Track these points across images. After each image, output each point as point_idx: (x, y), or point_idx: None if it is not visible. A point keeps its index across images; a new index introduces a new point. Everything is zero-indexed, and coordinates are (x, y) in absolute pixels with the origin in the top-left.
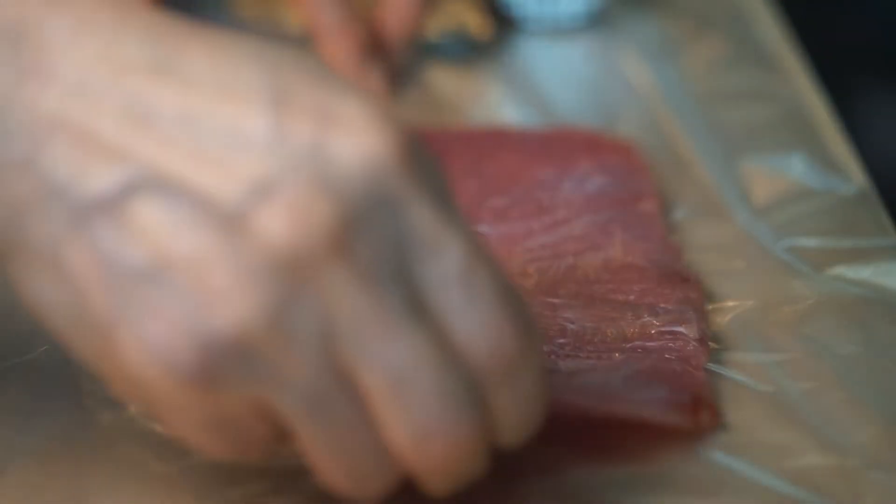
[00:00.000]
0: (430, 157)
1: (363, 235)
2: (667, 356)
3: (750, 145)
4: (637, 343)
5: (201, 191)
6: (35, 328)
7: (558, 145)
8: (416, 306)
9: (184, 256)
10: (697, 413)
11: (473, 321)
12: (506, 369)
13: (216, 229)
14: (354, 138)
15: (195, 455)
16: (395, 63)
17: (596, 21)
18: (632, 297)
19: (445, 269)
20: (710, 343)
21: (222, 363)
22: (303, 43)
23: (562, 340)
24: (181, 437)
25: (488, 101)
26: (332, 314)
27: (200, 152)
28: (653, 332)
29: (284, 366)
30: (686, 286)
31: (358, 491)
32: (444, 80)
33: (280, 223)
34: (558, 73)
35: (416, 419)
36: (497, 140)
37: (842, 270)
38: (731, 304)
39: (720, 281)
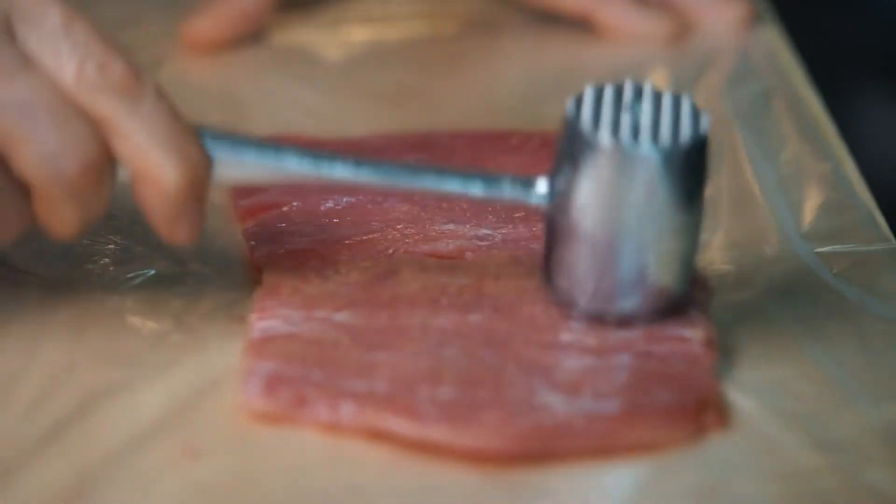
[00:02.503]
0: None
1: None
2: (673, 361)
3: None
4: (644, 348)
5: None
6: None
7: None
8: (26, 59)
9: None
10: (702, 416)
11: (79, 61)
12: (118, 95)
13: None
14: None
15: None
16: None
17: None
18: None
19: (48, 26)
20: (714, 342)
21: None
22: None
23: (573, 337)
24: None
25: None
26: None
27: None
28: (660, 335)
29: None
30: (692, 286)
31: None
32: None
33: None
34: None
35: (41, 147)
36: (498, 141)
37: (841, 272)
38: (733, 303)
39: (720, 280)
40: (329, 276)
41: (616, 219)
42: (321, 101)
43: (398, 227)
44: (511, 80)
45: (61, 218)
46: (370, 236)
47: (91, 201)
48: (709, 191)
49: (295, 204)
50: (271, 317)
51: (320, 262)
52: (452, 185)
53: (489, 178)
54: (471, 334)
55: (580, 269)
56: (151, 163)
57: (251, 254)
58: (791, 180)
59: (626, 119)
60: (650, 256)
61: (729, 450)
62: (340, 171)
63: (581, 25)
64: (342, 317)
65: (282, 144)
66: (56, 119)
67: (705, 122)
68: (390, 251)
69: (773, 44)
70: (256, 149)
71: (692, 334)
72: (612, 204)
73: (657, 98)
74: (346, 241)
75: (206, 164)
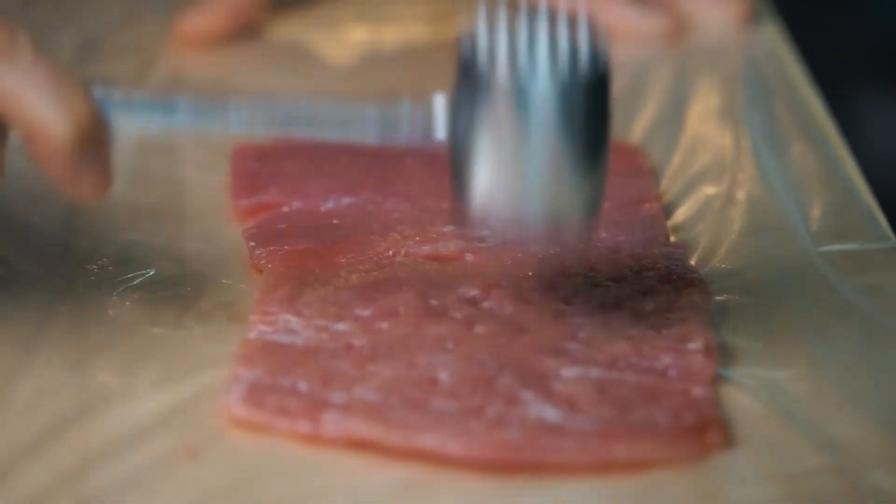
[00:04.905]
0: None
1: None
2: (673, 375)
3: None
4: (643, 362)
5: None
6: None
7: None
8: None
9: None
10: (704, 435)
11: None
12: None
13: None
14: None
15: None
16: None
17: None
18: (638, 304)
19: None
20: (715, 351)
21: None
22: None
23: (573, 346)
24: None
25: None
26: None
27: None
28: (659, 346)
29: None
30: (691, 289)
31: None
32: None
33: None
34: None
35: None
36: None
37: (843, 271)
38: (732, 303)
39: (721, 280)
40: (328, 279)
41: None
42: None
43: (398, 228)
44: None
45: None
46: (370, 237)
47: None
48: (711, 190)
49: (295, 204)
50: (268, 322)
51: (320, 264)
52: (351, 132)
53: (386, 121)
54: (468, 342)
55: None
56: (37, 116)
57: (251, 254)
58: (792, 180)
59: (522, 54)
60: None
61: (729, 451)
62: (235, 121)
63: None
64: (340, 326)
65: (173, 94)
66: None
67: (605, 56)
68: (390, 252)
69: (774, 44)
70: (147, 100)
71: (692, 346)
72: (511, 149)
73: (553, 24)
74: (346, 242)
75: (94, 113)
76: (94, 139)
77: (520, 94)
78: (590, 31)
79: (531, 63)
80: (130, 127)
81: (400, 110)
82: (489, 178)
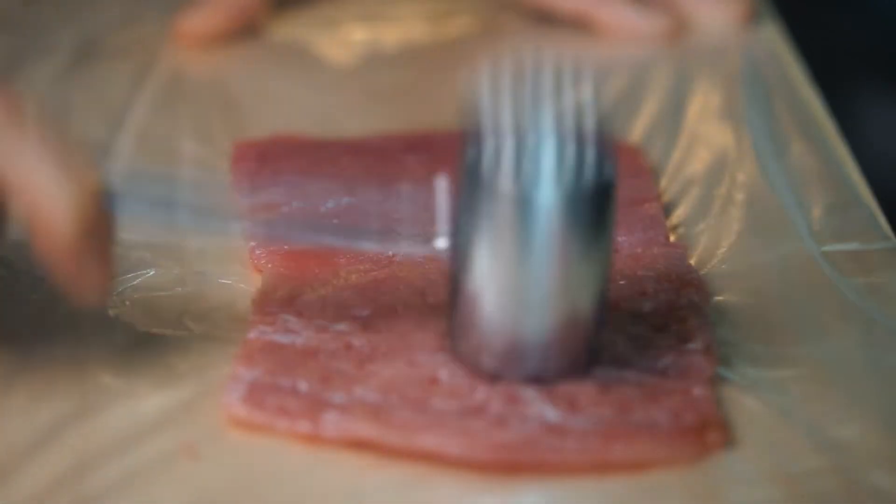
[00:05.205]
0: None
1: None
2: (673, 375)
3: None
4: (642, 361)
5: None
6: None
7: None
8: None
9: None
10: (704, 436)
11: None
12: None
13: None
14: None
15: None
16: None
17: None
18: (637, 304)
19: None
20: (714, 350)
21: None
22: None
23: None
24: None
25: None
26: None
27: None
28: (658, 346)
29: None
30: (690, 290)
31: None
32: None
33: None
34: None
35: None
36: None
37: (843, 271)
38: (732, 303)
39: (721, 280)
40: (328, 279)
41: (518, 273)
42: (320, 101)
43: (398, 227)
44: None
45: None
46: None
47: None
48: (711, 190)
49: (295, 204)
50: (268, 322)
51: (320, 264)
52: (344, 241)
53: (386, 235)
54: None
55: (484, 328)
56: (42, 198)
57: (251, 254)
58: (792, 180)
59: (527, 163)
60: (557, 314)
61: (729, 451)
62: (235, 228)
63: (580, 25)
64: (340, 326)
65: (174, 196)
66: None
67: (611, 167)
68: (390, 252)
69: (774, 44)
70: (150, 198)
71: (692, 346)
72: (513, 257)
73: (560, 134)
74: None
75: (100, 202)
76: (98, 231)
77: (524, 209)
78: (597, 137)
79: (535, 173)
80: (131, 221)
81: (401, 220)
82: (490, 309)
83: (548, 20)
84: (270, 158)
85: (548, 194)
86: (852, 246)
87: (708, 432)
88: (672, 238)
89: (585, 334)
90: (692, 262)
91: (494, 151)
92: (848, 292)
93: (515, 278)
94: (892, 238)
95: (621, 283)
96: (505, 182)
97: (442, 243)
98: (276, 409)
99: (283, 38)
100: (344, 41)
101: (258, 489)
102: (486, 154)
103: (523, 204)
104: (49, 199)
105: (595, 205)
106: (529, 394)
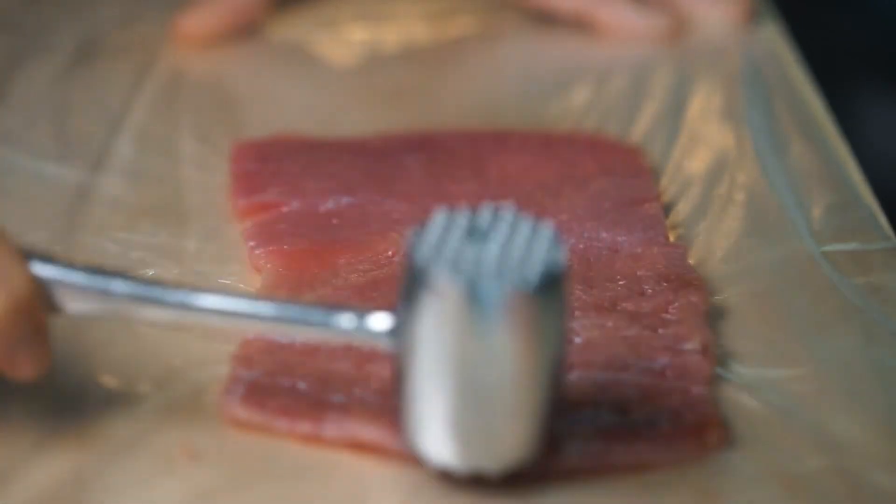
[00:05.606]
0: None
1: None
2: (671, 376)
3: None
4: (641, 362)
5: None
6: None
7: (561, 147)
8: None
9: None
10: (704, 436)
11: None
12: None
13: None
14: None
15: None
16: None
17: None
18: (636, 305)
19: None
20: (713, 350)
21: None
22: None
23: (571, 347)
24: None
25: None
26: None
27: None
28: (656, 346)
29: None
30: (689, 290)
31: None
32: None
33: None
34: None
35: None
36: (498, 141)
37: (843, 271)
38: (731, 303)
39: (721, 280)
40: (328, 279)
41: (458, 367)
42: (320, 101)
43: (398, 228)
44: (511, 79)
45: None
46: (370, 237)
47: None
48: (711, 190)
49: (295, 204)
50: None
51: (320, 264)
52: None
53: (326, 311)
54: None
55: (426, 417)
56: None
57: (251, 254)
58: (793, 179)
59: (470, 253)
60: (499, 409)
61: (729, 451)
62: (172, 298)
63: (580, 25)
64: None
65: (109, 270)
66: None
67: (560, 256)
68: (390, 252)
69: (774, 44)
70: (84, 273)
71: (689, 346)
72: (453, 349)
73: (513, 225)
74: (346, 242)
75: (30, 287)
76: (30, 316)
77: (468, 304)
78: (547, 236)
79: (478, 268)
80: (68, 307)
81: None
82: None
83: (548, 20)
84: (270, 158)
85: (490, 290)
86: (852, 246)
87: (707, 432)
88: (672, 238)
89: (539, 424)
90: (692, 261)
91: (437, 242)
92: (848, 292)
93: (459, 374)
94: (892, 238)
95: (621, 283)
96: (444, 276)
97: (383, 324)
98: (275, 409)
99: (282, 38)
100: (344, 41)
101: (258, 489)
102: (427, 245)
103: (464, 301)
104: None
105: (544, 298)
106: None
